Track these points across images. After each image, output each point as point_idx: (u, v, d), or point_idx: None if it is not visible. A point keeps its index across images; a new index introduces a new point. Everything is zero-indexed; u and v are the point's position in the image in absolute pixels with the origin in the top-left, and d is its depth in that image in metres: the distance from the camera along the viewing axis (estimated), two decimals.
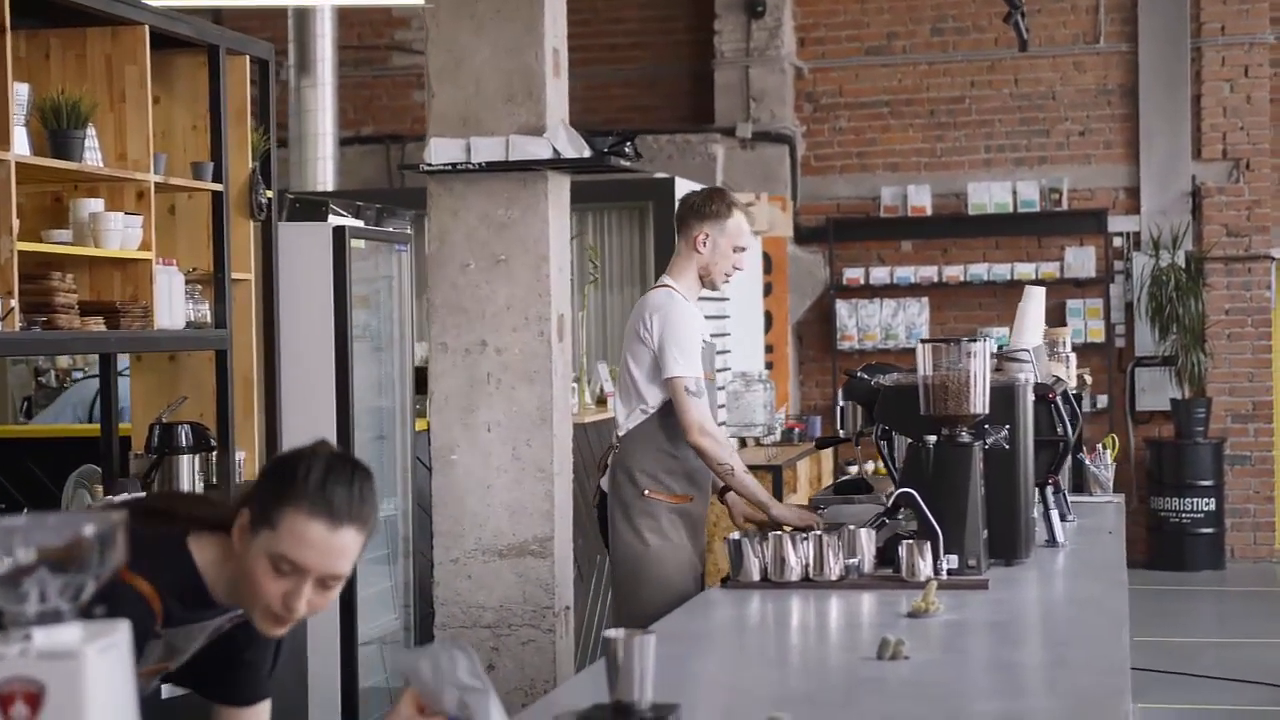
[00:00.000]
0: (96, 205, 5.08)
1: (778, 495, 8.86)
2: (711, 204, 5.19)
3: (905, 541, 4.12)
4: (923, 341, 4.37)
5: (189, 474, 5.50)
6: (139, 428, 5.65)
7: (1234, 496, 12.23)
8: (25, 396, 8.95)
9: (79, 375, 8.63)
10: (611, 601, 5.49)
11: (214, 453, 5.64)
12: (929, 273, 12.50)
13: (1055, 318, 11.97)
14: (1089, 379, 10.02)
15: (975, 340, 4.34)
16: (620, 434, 5.14)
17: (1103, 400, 12.23)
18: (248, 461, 5.90)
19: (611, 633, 2.63)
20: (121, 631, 1.84)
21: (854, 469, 10.99)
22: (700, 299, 5.01)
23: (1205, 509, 11.92)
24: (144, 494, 5.05)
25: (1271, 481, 12.35)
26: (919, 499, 4.18)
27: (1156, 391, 12.28)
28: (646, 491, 5.05)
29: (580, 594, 6.69)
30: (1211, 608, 11.09)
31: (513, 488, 5.37)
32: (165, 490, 5.32)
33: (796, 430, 10.33)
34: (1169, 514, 11.96)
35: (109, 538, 1.83)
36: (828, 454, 10.61)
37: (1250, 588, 11.51)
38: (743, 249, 5.21)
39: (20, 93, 4.71)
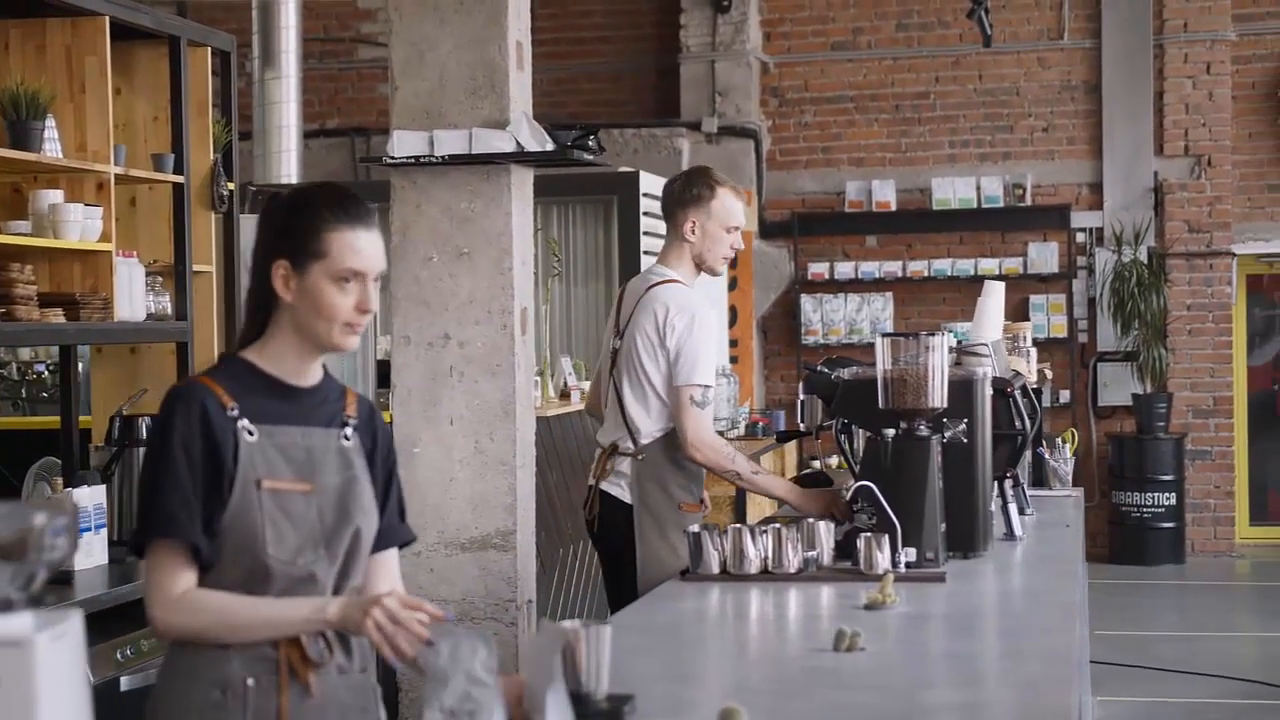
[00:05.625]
0: (56, 196, 5.05)
1: (739, 489, 8.85)
2: (692, 188, 4.93)
3: (863, 535, 4.14)
4: (882, 335, 4.39)
5: None
6: (99, 420, 5.63)
7: (1194, 491, 12.31)
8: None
9: (41, 368, 8.56)
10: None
11: None
12: (893, 268, 12.55)
13: (1018, 313, 12.03)
14: (1049, 374, 10.05)
15: (934, 335, 4.36)
16: (642, 441, 4.87)
17: (1065, 395, 12.30)
18: None
19: (568, 624, 2.65)
20: (73, 620, 1.84)
21: (816, 463, 11.04)
22: None
23: (1166, 503, 11.99)
24: None
25: (1231, 476, 12.44)
26: (877, 492, 4.20)
27: (1118, 386, 12.35)
28: (682, 505, 4.88)
29: (543, 587, 6.70)
30: (1172, 601, 11.16)
31: (475, 481, 5.36)
32: None
33: (761, 425, 10.35)
34: (1130, 508, 12.03)
35: (59, 528, 1.84)
36: (791, 448, 10.63)
37: (1210, 581, 11.59)
38: (735, 228, 4.96)
39: None
